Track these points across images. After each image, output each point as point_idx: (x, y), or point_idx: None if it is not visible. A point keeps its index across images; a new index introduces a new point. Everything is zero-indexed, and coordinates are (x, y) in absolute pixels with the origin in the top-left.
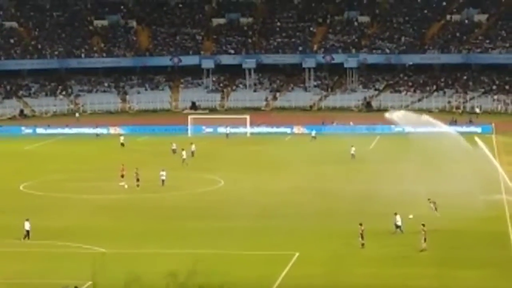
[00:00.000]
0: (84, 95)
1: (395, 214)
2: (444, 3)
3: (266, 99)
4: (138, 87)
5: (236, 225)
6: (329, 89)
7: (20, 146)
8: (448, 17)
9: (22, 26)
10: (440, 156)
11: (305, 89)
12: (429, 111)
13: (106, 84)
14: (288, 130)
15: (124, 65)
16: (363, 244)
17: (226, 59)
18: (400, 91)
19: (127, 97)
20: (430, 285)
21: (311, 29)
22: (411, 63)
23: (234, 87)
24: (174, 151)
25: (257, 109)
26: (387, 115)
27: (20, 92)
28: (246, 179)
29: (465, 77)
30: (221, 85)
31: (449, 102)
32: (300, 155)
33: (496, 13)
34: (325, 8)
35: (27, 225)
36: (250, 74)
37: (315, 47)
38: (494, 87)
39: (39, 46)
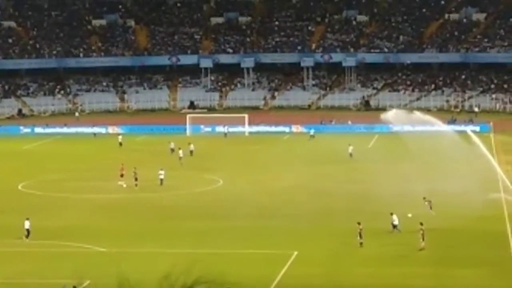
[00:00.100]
0: (82, 94)
1: (391, 214)
2: (443, 2)
3: (265, 98)
4: (136, 87)
5: (234, 224)
6: (328, 88)
7: (18, 145)
8: (446, 16)
9: (20, 26)
10: (437, 154)
11: (304, 88)
12: (427, 110)
13: (104, 84)
14: (286, 129)
15: (122, 64)
16: (361, 243)
17: (224, 58)
18: (398, 90)
19: (126, 96)
20: (429, 284)
21: (310, 28)
22: (409, 62)
23: (232, 86)
24: (172, 150)
25: (255, 108)
26: (382, 116)
27: (19, 92)
28: (244, 178)
29: (463, 76)
30: (220, 84)
31: (447, 101)
32: (299, 154)
33: (494, 12)
34: (324, 7)
35: (27, 224)
36: (248, 73)
37: (313, 46)
38: (493, 86)
39: (37, 46)
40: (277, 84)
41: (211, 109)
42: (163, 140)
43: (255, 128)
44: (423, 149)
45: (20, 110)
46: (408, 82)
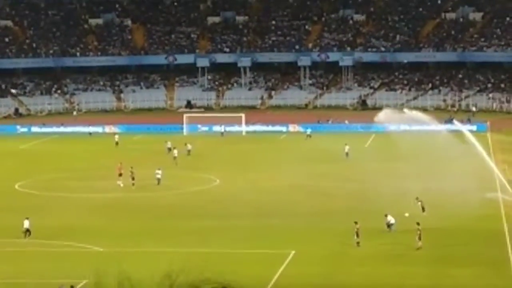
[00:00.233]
0: (79, 93)
1: (386, 215)
2: (439, 1)
3: (262, 98)
4: (133, 86)
5: (231, 223)
6: (325, 88)
7: (15, 145)
8: (443, 15)
9: (17, 25)
10: (434, 154)
11: (300, 87)
12: (424, 109)
13: (101, 83)
14: (283, 129)
15: (119, 63)
16: (358, 243)
17: (221, 58)
18: (395, 90)
19: (122, 95)
20: (426, 283)
21: (306, 27)
22: (406, 61)
23: (229, 86)
24: (169, 149)
25: (252, 108)
26: (375, 119)
27: (15, 91)
28: (241, 177)
29: (460, 75)
30: (217, 83)
31: (444, 100)
32: (295, 154)
33: (491, 11)
34: (320, 6)
35: (26, 224)
36: (245, 72)
37: (310, 46)
38: (489, 85)
39: (34, 45)
40: (274, 84)
41: (208, 109)
42: (160, 140)
43: (252, 128)
44: (420, 148)
45: (16, 110)
46: (405, 82)
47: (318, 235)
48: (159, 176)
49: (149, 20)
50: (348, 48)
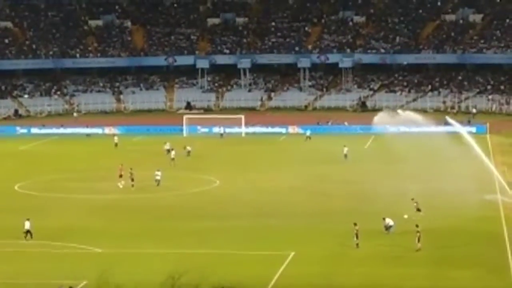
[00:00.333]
0: (79, 95)
1: (383, 219)
2: (439, 3)
3: (261, 99)
4: (133, 87)
5: (231, 225)
6: (324, 89)
7: (15, 146)
8: (443, 17)
9: (17, 26)
10: (433, 155)
11: (300, 89)
12: (424, 111)
13: (101, 84)
14: (283, 130)
15: (119, 65)
16: (357, 244)
17: (221, 59)
18: (395, 91)
19: (122, 97)
20: (425, 285)
21: (306, 29)
22: (406, 63)
23: (229, 87)
24: (168, 151)
25: (252, 109)
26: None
27: (15, 92)
28: (241, 179)
29: (460, 77)
30: (216, 85)
31: (444, 102)
32: (295, 155)
33: (491, 13)
34: (320, 8)
35: (27, 225)
36: (245, 74)
37: (310, 47)
38: (489, 87)
39: (34, 46)
40: (273, 85)
41: (207, 110)
42: (160, 141)
43: (251, 129)
44: (419, 150)
45: (16, 111)
46: (405, 83)
47: (318, 236)
48: (158, 177)
49: (149, 22)
50: (348, 50)
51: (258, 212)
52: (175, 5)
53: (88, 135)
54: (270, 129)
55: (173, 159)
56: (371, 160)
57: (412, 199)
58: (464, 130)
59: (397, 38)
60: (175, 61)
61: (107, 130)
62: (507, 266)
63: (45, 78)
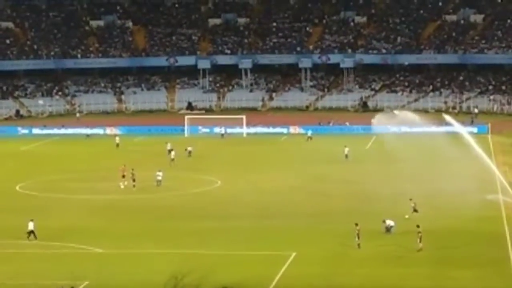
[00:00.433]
0: (80, 95)
1: (383, 221)
2: (440, 3)
3: (263, 99)
4: (134, 88)
5: (232, 225)
6: (325, 89)
7: (16, 146)
8: (444, 17)
9: (18, 27)
10: (435, 155)
11: (301, 89)
12: (425, 111)
13: (102, 85)
14: (284, 130)
15: (120, 65)
16: (359, 244)
17: (222, 59)
18: (396, 91)
19: (123, 97)
20: (426, 285)
21: (307, 29)
22: (407, 63)
23: (230, 87)
24: (169, 151)
25: (253, 109)
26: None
27: (16, 93)
28: (242, 179)
29: (461, 77)
30: (217, 85)
31: (445, 102)
32: (296, 156)
33: (492, 13)
34: (321, 8)
35: (31, 225)
36: (246, 74)
37: (311, 47)
38: (490, 87)
39: (35, 47)
40: (275, 85)
41: (209, 110)
42: (161, 141)
43: (252, 129)
44: (421, 150)
45: (17, 111)
46: (406, 83)
47: (319, 236)
48: (159, 178)
49: (150, 22)
50: (349, 50)
51: (259, 213)
52: (177, 5)
53: (87, 135)
54: (271, 130)
55: (172, 159)
56: (372, 160)
57: (410, 200)
58: (464, 130)
59: (398, 39)
60: (177, 61)
61: (109, 131)
62: (509, 266)
63: (46, 79)
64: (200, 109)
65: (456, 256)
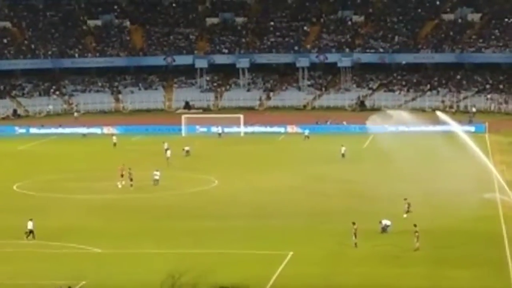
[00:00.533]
0: (77, 95)
1: (380, 222)
2: (438, 3)
3: (260, 99)
4: (131, 87)
5: (229, 224)
6: (323, 89)
7: (13, 146)
8: (441, 16)
9: (16, 26)
10: (431, 154)
11: (299, 88)
12: (422, 110)
13: (99, 84)
14: (281, 130)
15: (117, 64)
16: (356, 243)
17: (219, 59)
18: (393, 91)
19: (121, 96)
20: (423, 285)
21: (305, 28)
22: (404, 62)
23: (227, 87)
24: (166, 150)
25: (250, 109)
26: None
27: (14, 92)
28: (240, 178)
29: (458, 76)
30: (215, 84)
31: (442, 101)
32: (293, 155)
33: (489, 12)
34: (319, 7)
35: (30, 225)
36: (243, 73)
37: (308, 47)
38: (488, 86)
39: (33, 46)
40: (272, 85)
41: (206, 110)
42: (159, 141)
43: (250, 129)
44: (418, 149)
45: (15, 111)
46: (403, 83)
47: (316, 236)
48: (157, 177)
49: (148, 21)
50: (347, 49)
51: (256, 212)
52: (174, 5)
53: (84, 135)
54: (268, 129)
55: (168, 158)
56: (369, 159)
57: (405, 199)
58: (459, 128)
59: (396, 38)
60: (174, 60)
61: (106, 130)
62: (506, 265)
63: (43, 78)
64: (197, 109)
65: (453, 255)
